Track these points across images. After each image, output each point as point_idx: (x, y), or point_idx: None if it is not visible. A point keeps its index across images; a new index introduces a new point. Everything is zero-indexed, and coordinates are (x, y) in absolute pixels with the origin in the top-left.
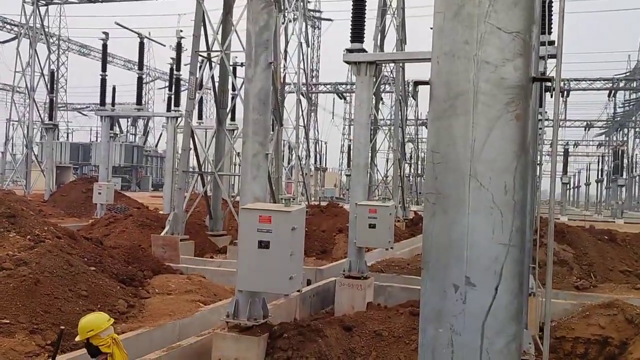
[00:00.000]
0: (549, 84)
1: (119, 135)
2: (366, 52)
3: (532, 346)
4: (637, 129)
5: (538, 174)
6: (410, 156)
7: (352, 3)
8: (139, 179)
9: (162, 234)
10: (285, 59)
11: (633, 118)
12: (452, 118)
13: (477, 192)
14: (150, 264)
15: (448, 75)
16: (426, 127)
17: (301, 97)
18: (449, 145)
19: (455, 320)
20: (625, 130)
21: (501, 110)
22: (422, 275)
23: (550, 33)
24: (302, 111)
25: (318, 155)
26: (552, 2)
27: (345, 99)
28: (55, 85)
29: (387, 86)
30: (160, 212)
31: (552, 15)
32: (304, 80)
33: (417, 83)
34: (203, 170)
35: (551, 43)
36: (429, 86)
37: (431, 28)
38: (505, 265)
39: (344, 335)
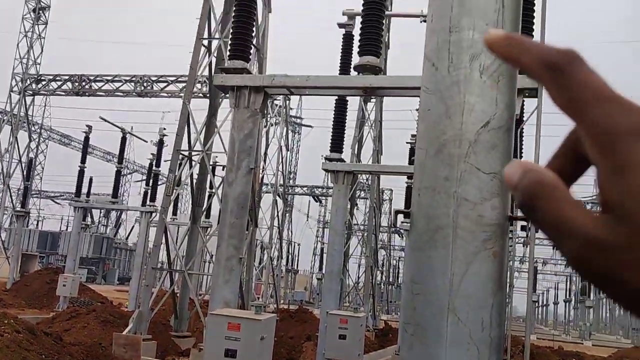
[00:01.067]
0: (523, 223)
1: (90, 226)
2: (344, 161)
3: None
4: None
5: (508, 288)
6: (382, 263)
7: (333, 116)
8: (106, 272)
9: (125, 332)
10: (265, 161)
11: None
12: (432, 250)
13: (455, 326)
14: None
15: (428, 209)
16: (399, 235)
17: (277, 198)
18: (428, 278)
19: None
20: None
21: (479, 246)
22: None
23: None
24: (277, 212)
25: (290, 256)
26: (523, 133)
27: (320, 202)
28: (31, 173)
29: (362, 192)
30: (125, 307)
31: (522, 146)
32: (282, 182)
33: (397, 212)
34: (173, 267)
35: None
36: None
37: (407, 142)
38: None
39: None
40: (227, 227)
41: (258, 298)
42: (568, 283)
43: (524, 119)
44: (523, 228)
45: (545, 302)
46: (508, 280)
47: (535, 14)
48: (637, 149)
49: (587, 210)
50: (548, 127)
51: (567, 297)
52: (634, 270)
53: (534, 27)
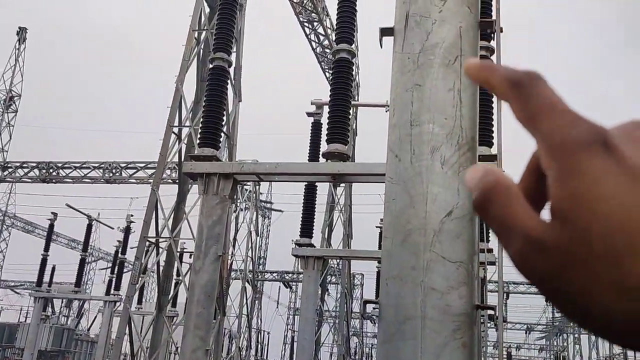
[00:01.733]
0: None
1: (50, 317)
2: (314, 246)
3: None
4: (575, 335)
5: None
6: (355, 351)
7: (303, 201)
8: None
9: None
10: (234, 247)
11: (571, 324)
12: (400, 342)
13: None
14: None
15: (396, 299)
16: (371, 321)
17: (247, 284)
18: None
19: None
20: (565, 336)
21: (448, 337)
22: None
23: (488, 241)
24: (246, 299)
25: (260, 345)
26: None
27: (291, 287)
28: None
29: (333, 277)
30: None
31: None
32: (251, 268)
33: (366, 302)
34: None
35: (490, 251)
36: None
37: (377, 227)
38: None
39: None
40: (193, 318)
41: None
42: None
43: None
44: (491, 318)
45: None
46: None
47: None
48: (582, 157)
49: (536, 213)
50: None
51: None
52: (573, 271)
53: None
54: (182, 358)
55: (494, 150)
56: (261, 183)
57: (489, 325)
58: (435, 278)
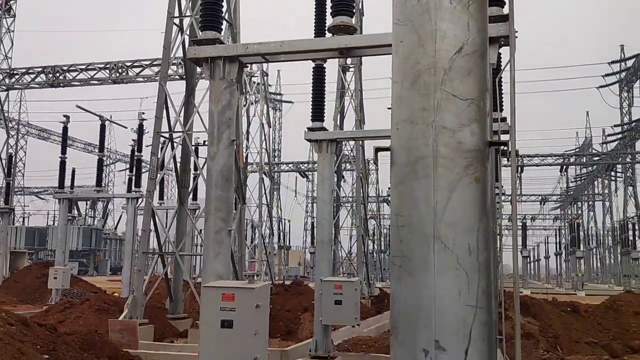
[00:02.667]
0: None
1: (77, 219)
2: (327, 130)
3: None
4: (589, 203)
5: (499, 246)
6: (373, 233)
7: (312, 84)
8: (97, 263)
9: (120, 318)
10: (248, 140)
11: (585, 192)
12: (413, 181)
13: (442, 253)
14: (107, 351)
15: (408, 141)
16: (388, 204)
17: (264, 176)
18: (412, 208)
19: None
20: (579, 204)
21: (460, 173)
22: (391, 342)
23: (501, 110)
24: (264, 190)
25: (281, 233)
26: (502, 81)
27: (307, 177)
28: (12, 170)
29: (347, 164)
30: (118, 294)
31: (502, 94)
32: (267, 160)
33: (377, 149)
34: (164, 251)
35: (503, 120)
36: (389, 155)
37: (388, 108)
38: (474, 327)
39: None
40: (212, 201)
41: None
42: (557, 237)
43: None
44: (504, 154)
45: (536, 257)
46: (496, 206)
47: None
48: None
49: None
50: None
51: (558, 250)
52: None
53: None
54: (207, 239)
55: (505, 10)
56: (269, 74)
57: (502, 163)
58: (446, 117)
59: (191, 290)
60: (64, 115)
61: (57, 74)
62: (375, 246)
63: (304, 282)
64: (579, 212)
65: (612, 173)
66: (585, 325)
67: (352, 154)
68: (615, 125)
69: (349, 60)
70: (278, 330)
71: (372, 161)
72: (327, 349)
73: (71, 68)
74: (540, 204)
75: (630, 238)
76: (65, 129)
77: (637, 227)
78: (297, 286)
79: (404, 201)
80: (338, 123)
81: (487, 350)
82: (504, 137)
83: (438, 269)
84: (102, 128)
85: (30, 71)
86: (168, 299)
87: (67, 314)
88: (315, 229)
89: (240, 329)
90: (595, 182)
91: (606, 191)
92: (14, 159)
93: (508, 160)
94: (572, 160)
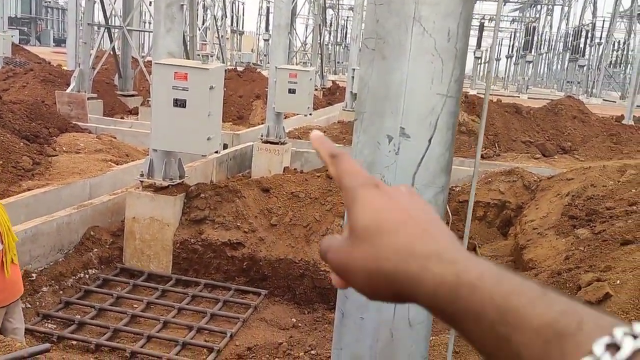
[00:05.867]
0: None
1: None
2: None
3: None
4: (549, 7)
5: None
6: (331, 23)
7: None
8: (39, 33)
9: (68, 90)
10: None
11: None
12: None
13: (420, 37)
14: (55, 122)
15: None
16: None
17: None
18: None
19: (387, 171)
20: (539, 7)
21: None
22: (354, 128)
23: None
24: None
25: (235, 16)
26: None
27: None
28: None
29: None
30: (64, 68)
31: None
32: None
33: None
34: (110, 24)
35: None
36: None
37: None
38: (441, 116)
39: (261, 196)
40: None
41: None
42: (512, 39)
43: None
44: None
45: (487, 59)
46: None
47: None
48: (361, 193)
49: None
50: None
51: (509, 52)
52: (355, 262)
53: None
54: (157, 13)
55: None
56: None
57: None
58: None
59: (140, 67)
60: None
61: None
62: (332, 38)
63: (257, 69)
64: (537, 15)
65: None
66: (525, 125)
67: None
68: None
69: None
70: (230, 115)
71: None
72: (279, 135)
73: None
74: (502, 3)
75: (582, 45)
76: None
77: (589, 35)
78: (250, 72)
79: None
80: None
81: (450, 140)
82: None
83: (413, 54)
84: None
85: None
86: (117, 75)
87: (11, 82)
88: (270, 17)
89: (194, 109)
90: None
91: None
92: None
93: None
94: None
